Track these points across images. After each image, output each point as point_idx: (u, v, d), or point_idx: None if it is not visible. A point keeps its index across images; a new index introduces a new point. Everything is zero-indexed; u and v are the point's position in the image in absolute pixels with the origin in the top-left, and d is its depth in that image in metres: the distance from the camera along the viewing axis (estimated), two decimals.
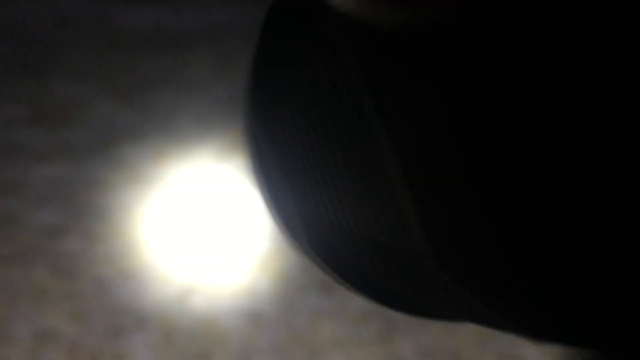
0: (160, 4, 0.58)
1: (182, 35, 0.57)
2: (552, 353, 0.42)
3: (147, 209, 0.49)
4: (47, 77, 0.55)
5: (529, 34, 0.12)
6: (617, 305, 0.13)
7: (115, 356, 0.43)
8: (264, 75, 0.19)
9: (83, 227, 0.48)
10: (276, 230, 0.48)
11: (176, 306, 0.45)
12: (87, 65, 0.55)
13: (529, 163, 0.13)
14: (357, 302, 0.44)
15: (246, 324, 0.44)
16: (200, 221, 0.48)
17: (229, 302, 0.45)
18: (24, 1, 0.59)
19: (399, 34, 0.13)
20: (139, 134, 0.52)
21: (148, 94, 0.54)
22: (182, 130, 0.52)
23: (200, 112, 0.53)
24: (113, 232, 0.48)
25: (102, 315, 0.44)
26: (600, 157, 0.12)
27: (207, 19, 0.58)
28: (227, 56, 0.55)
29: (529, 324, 0.15)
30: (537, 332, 0.16)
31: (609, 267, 0.13)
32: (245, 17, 0.57)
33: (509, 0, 0.12)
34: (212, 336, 0.44)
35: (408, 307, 0.20)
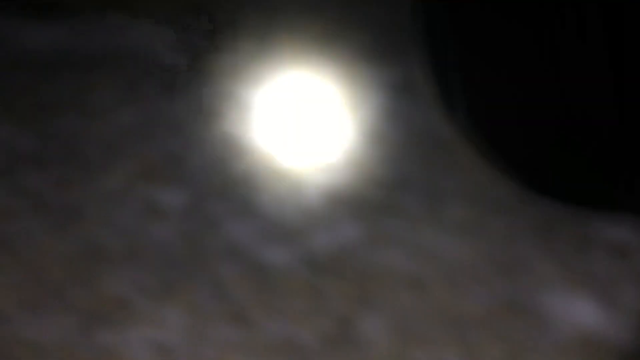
0: (63, 25, 0.56)
1: (86, 58, 0.55)
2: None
3: (50, 236, 0.47)
4: None
5: None
6: None
7: None
8: None
9: None
10: (185, 257, 0.47)
11: (77, 337, 0.43)
12: None
13: None
14: (269, 333, 0.43)
15: (152, 356, 0.43)
16: (105, 248, 0.47)
17: (133, 332, 0.44)
18: None
19: None
20: (41, 160, 0.50)
21: (50, 119, 0.52)
22: (86, 157, 0.51)
23: (105, 137, 0.52)
24: (13, 262, 0.46)
25: None
26: None
27: (113, 42, 0.56)
28: (133, 81, 0.54)
29: None
30: None
31: None
32: (152, 40, 0.56)
33: None
34: None
35: (555, 191, 0.21)
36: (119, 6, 0.57)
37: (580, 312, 0.40)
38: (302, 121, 0.51)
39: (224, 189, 0.49)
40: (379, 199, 0.47)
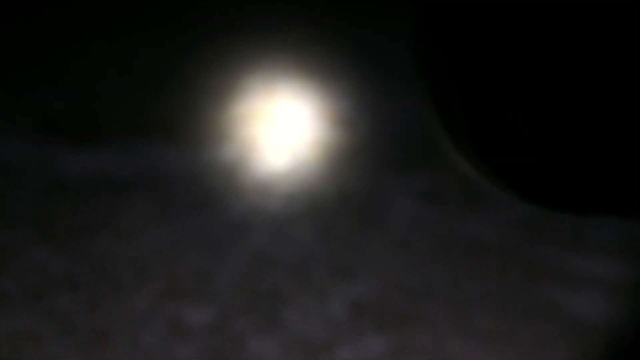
0: (101, 148, 0.58)
1: (122, 181, 0.56)
2: None
3: (77, 359, 0.47)
4: None
5: None
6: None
7: None
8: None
9: None
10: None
11: None
12: (23, 210, 0.55)
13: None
14: None
15: None
16: None
17: None
18: None
19: None
20: (73, 282, 0.51)
21: (84, 240, 0.53)
22: (116, 277, 0.51)
23: (137, 258, 0.52)
24: None
25: None
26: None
27: (149, 164, 0.57)
28: (166, 201, 0.55)
29: None
30: None
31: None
32: (186, 161, 0.57)
33: None
34: None
35: (546, 200, 0.24)
36: (153, 131, 0.59)
37: None
38: (330, 232, 0.51)
39: (249, 305, 0.48)
40: (404, 309, 0.45)
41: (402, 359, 0.44)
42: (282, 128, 0.55)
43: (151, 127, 0.58)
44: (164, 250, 0.52)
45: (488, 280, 0.43)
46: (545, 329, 0.42)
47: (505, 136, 0.22)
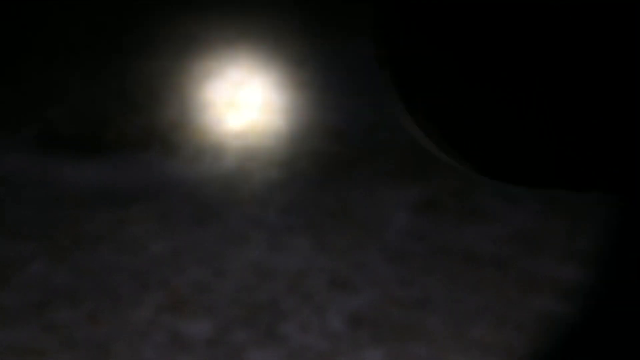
0: (103, 160, 0.58)
1: (123, 193, 0.56)
2: None
3: None
4: None
5: None
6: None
7: None
8: None
9: None
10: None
11: None
12: (25, 223, 0.55)
13: None
14: None
15: None
16: None
17: None
18: None
19: None
20: (73, 295, 0.51)
21: (85, 253, 0.53)
22: (117, 289, 0.51)
23: (136, 269, 0.52)
24: None
25: None
26: None
27: (149, 176, 0.58)
28: (167, 213, 0.55)
29: None
30: None
31: None
32: (184, 174, 0.57)
33: None
34: None
35: (490, 170, 0.25)
36: (152, 144, 0.59)
37: None
38: (326, 242, 0.51)
39: (248, 317, 0.49)
40: (402, 320, 0.46)
41: None
42: (278, 141, 0.55)
43: (150, 140, 0.59)
44: (163, 263, 0.52)
45: (485, 292, 0.44)
46: (541, 341, 0.42)
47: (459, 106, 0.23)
